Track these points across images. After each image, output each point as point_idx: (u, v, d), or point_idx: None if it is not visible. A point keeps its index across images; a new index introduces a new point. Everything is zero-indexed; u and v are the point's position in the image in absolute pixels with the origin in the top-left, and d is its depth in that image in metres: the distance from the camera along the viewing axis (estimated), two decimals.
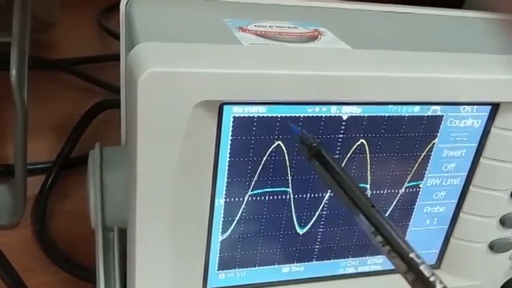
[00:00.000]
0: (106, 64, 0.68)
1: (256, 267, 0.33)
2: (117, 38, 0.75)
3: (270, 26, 0.32)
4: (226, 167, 0.29)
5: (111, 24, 0.76)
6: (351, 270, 0.35)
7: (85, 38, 0.76)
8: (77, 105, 0.59)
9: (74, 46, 0.71)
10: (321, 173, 0.27)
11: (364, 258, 0.35)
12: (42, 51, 0.67)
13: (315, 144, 0.27)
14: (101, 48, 0.74)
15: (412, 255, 0.24)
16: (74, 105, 0.60)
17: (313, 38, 0.31)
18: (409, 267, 0.24)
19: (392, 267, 0.36)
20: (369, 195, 0.32)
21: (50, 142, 0.54)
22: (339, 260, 0.34)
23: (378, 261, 0.35)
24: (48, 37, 0.71)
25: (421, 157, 0.32)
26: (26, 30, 0.40)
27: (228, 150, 0.29)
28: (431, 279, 0.23)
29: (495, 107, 0.32)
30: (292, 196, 0.31)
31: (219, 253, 0.32)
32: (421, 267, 0.24)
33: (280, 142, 0.29)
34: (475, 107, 0.32)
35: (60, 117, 0.57)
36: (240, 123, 0.28)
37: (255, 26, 0.31)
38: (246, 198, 0.30)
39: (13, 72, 0.39)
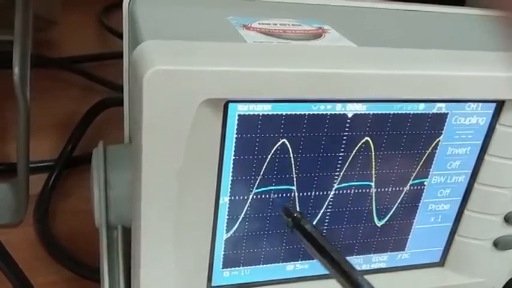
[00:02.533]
0: (107, 62, 0.68)
1: (261, 265, 0.33)
2: (119, 36, 0.75)
3: (274, 24, 0.31)
4: (231, 165, 0.29)
5: (113, 23, 0.76)
6: None
7: (86, 36, 0.76)
8: (78, 103, 0.59)
9: (76, 44, 0.71)
10: (303, 242, 0.29)
11: (368, 255, 0.35)
12: (44, 50, 0.67)
13: (295, 215, 0.29)
14: (102, 46, 0.74)
15: None
16: (75, 104, 0.60)
17: (317, 35, 0.31)
18: None
19: (397, 265, 0.36)
20: (373, 193, 0.32)
21: (52, 140, 0.54)
22: None
23: (382, 259, 0.35)
24: (50, 35, 0.71)
25: (426, 155, 0.32)
26: (28, 29, 0.40)
27: (233, 148, 0.29)
28: None
29: (500, 105, 0.32)
30: (296, 194, 0.31)
31: (224, 251, 0.32)
32: None
33: (285, 140, 0.29)
34: (480, 104, 0.32)
35: (62, 116, 0.57)
36: (245, 121, 0.28)
37: (259, 23, 0.31)
38: (250, 196, 0.30)
39: (15, 70, 0.39)
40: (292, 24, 0.32)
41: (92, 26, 0.78)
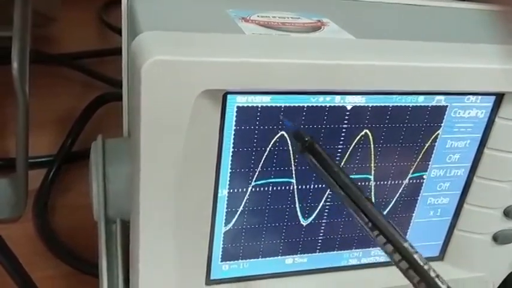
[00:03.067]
0: (107, 58, 0.68)
1: (260, 259, 0.33)
2: (118, 32, 0.75)
3: (273, 17, 0.31)
4: (230, 158, 0.29)
5: (112, 19, 0.76)
6: (354, 262, 0.35)
7: (86, 32, 0.76)
8: (78, 99, 0.59)
9: (75, 40, 0.71)
10: (314, 166, 0.27)
11: (367, 249, 0.35)
12: (43, 46, 0.67)
13: (307, 139, 0.27)
14: (101, 42, 0.74)
15: (405, 244, 0.24)
16: (75, 99, 0.60)
17: (316, 28, 0.31)
18: (402, 256, 0.24)
19: None
20: (372, 186, 0.32)
21: (51, 136, 0.54)
22: (342, 252, 0.34)
23: (382, 253, 0.35)
24: (49, 31, 0.71)
25: (425, 148, 0.32)
26: (27, 24, 0.40)
27: (232, 141, 0.29)
28: (425, 267, 0.23)
29: (499, 97, 0.32)
30: (295, 187, 0.31)
31: (222, 244, 0.32)
32: (415, 256, 0.24)
33: (284, 132, 0.29)
34: (480, 97, 0.32)
35: (61, 111, 0.57)
36: (244, 113, 0.28)
37: (258, 16, 0.31)
38: (249, 189, 0.30)
39: (15, 65, 0.39)
40: (291, 17, 0.32)
41: (92, 22, 0.78)
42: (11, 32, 0.40)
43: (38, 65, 0.47)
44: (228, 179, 0.30)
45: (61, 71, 0.65)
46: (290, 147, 0.30)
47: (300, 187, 0.31)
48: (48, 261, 0.42)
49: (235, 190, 0.30)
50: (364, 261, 0.35)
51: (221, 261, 0.32)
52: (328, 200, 0.32)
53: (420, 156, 0.32)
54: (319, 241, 0.33)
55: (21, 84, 0.39)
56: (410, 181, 0.33)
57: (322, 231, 0.33)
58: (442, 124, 0.32)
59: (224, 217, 0.31)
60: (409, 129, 0.31)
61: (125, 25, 0.34)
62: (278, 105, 0.28)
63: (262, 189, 0.31)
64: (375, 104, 0.30)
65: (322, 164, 0.27)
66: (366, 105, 0.30)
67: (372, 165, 0.32)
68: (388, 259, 0.36)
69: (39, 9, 0.59)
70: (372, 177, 0.32)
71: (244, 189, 0.30)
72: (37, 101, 0.45)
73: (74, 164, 0.51)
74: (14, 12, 0.39)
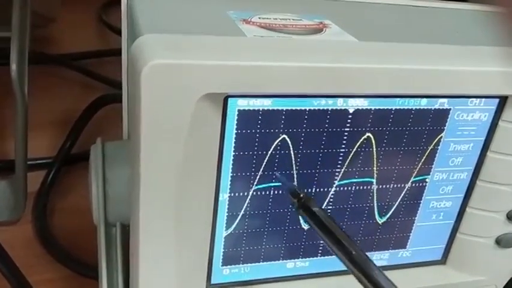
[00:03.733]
0: (106, 59, 0.68)
1: (261, 263, 0.33)
2: (118, 33, 0.74)
3: (274, 19, 0.31)
4: (231, 161, 0.29)
5: (112, 19, 0.76)
6: None
7: (85, 33, 0.75)
8: (77, 100, 0.59)
9: (74, 41, 0.71)
10: (310, 223, 0.28)
11: (369, 253, 0.35)
12: (42, 47, 0.67)
13: (302, 195, 0.28)
14: (101, 43, 0.73)
15: None
16: (74, 101, 0.59)
17: (318, 30, 0.30)
18: None
19: (398, 263, 0.36)
20: (374, 190, 0.32)
21: (51, 137, 0.53)
22: None
23: (384, 257, 0.35)
24: (48, 32, 0.71)
25: (428, 151, 0.32)
26: (26, 25, 0.40)
27: (233, 144, 0.28)
28: None
29: (503, 100, 0.31)
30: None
31: (223, 248, 0.31)
32: None
33: (285, 136, 0.29)
34: (483, 100, 0.31)
35: (60, 113, 0.57)
36: (245, 116, 0.28)
37: (259, 18, 0.31)
38: (250, 193, 0.30)
39: (13, 66, 0.39)
40: (293, 19, 0.31)
41: (91, 23, 0.78)
42: (9, 32, 0.39)
43: (37, 66, 0.47)
44: (229, 183, 0.29)
45: (60, 72, 0.65)
46: (292, 151, 0.29)
47: (301, 191, 0.31)
48: (47, 264, 0.42)
49: (236, 194, 0.30)
50: None
51: (222, 265, 0.32)
52: (330, 204, 0.32)
53: (423, 160, 0.32)
54: (321, 245, 0.33)
55: (20, 86, 0.39)
56: (413, 185, 0.33)
57: None
58: (445, 127, 0.31)
59: (225, 221, 0.30)
60: (412, 132, 0.31)
61: (125, 26, 0.34)
62: (280, 108, 0.28)
63: (263, 193, 0.30)
64: (377, 107, 0.30)
65: (316, 222, 0.27)
66: (369, 108, 0.29)
67: (375, 168, 0.31)
68: (390, 263, 0.36)
69: (38, 9, 0.59)
70: (374, 180, 0.32)
71: (245, 193, 0.30)
72: (36, 102, 0.45)
73: (73, 166, 0.51)
74: (12, 13, 0.39)
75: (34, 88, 0.41)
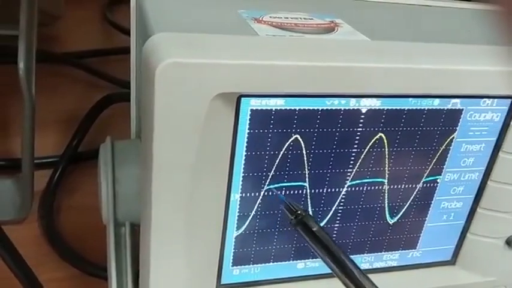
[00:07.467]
0: (112, 57, 0.67)
1: (271, 263, 0.32)
2: (123, 31, 0.74)
3: (285, 18, 0.31)
4: (243, 161, 0.29)
5: (117, 18, 0.76)
6: (366, 266, 0.35)
7: (90, 31, 0.75)
8: (83, 99, 0.59)
9: (80, 40, 0.71)
10: (306, 239, 0.28)
11: (379, 253, 0.34)
12: (48, 45, 0.66)
13: (299, 212, 0.28)
14: (106, 41, 0.73)
15: None
16: (79, 99, 0.59)
17: (330, 29, 0.30)
18: None
19: (408, 263, 0.36)
20: (386, 190, 0.32)
21: (57, 136, 0.53)
22: (354, 256, 0.34)
23: (394, 257, 0.35)
24: (54, 31, 0.71)
25: (440, 151, 0.32)
26: (33, 23, 0.40)
27: (245, 144, 0.28)
28: None
29: None
30: (308, 191, 0.31)
31: (234, 249, 0.31)
32: None
33: (298, 136, 0.29)
34: (495, 100, 0.31)
35: (66, 111, 0.57)
36: (258, 116, 0.28)
37: (270, 17, 0.31)
38: (262, 193, 0.30)
39: (21, 65, 0.38)
40: (304, 18, 0.31)
41: (97, 21, 0.78)
42: (16, 31, 0.39)
43: (42, 64, 0.47)
44: (241, 183, 0.29)
45: (66, 70, 0.65)
46: (304, 151, 0.29)
47: (312, 191, 0.31)
48: (54, 263, 0.41)
49: (248, 194, 0.30)
50: (376, 265, 0.35)
51: (232, 265, 0.32)
52: (341, 204, 0.32)
53: (434, 160, 0.32)
54: None
55: (28, 84, 0.39)
56: (424, 185, 0.33)
57: (334, 235, 0.33)
58: (458, 128, 0.31)
59: (236, 221, 0.30)
60: (424, 132, 0.31)
61: (134, 25, 0.34)
62: (292, 108, 0.28)
63: (274, 193, 0.30)
64: (390, 107, 0.29)
65: (312, 238, 0.27)
66: (381, 108, 0.29)
67: (386, 169, 0.31)
68: (400, 264, 0.35)
69: (43, 8, 0.59)
70: (385, 181, 0.32)
71: (257, 194, 0.30)
72: (42, 101, 0.44)
73: (80, 165, 0.51)
74: (20, 13, 0.39)
75: (40, 86, 0.41)
